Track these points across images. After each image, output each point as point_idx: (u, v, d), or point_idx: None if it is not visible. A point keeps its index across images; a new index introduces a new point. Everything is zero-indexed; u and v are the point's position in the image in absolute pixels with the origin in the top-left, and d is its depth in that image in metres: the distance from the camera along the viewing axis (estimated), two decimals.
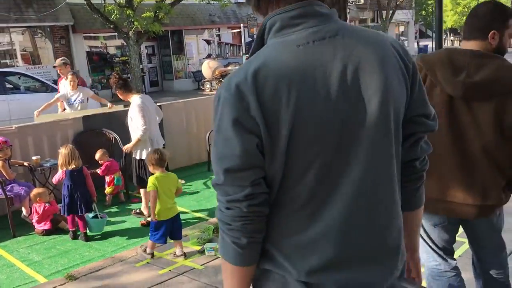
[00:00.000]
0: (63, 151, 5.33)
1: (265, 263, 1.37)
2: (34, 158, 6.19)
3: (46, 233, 5.58)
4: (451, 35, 52.18)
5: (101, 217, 5.45)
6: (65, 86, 7.56)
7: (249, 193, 1.26)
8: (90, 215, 5.41)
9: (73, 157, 5.28)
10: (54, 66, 8.51)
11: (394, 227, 1.42)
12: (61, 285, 4.18)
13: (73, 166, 5.26)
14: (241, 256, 1.32)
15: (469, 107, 2.30)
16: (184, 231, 4.89)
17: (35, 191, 5.68)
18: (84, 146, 6.54)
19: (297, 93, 1.25)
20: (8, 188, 5.67)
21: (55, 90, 9.34)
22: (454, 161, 2.35)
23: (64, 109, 7.54)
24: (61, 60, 8.03)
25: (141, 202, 6.00)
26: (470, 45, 2.36)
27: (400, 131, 1.42)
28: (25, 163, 6.13)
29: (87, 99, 7.58)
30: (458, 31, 50.35)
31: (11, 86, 13.02)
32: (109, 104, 7.75)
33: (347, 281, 1.33)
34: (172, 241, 4.64)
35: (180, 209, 5.03)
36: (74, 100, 7.37)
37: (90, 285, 4.12)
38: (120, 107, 7.78)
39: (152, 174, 4.58)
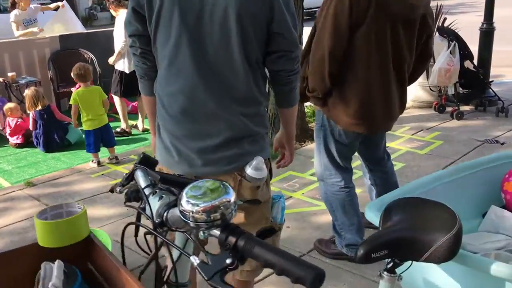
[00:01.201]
0: (28, 93, 5.61)
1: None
2: (10, 74, 6.36)
3: (19, 146, 5.86)
4: None
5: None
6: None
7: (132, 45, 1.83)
8: (65, 122, 5.80)
9: (38, 98, 5.56)
10: None
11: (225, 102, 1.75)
12: (20, 189, 4.48)
13: (40, 106, 5.56)
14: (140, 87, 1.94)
15: (405, 28, 2.49)
16: None
17: (8, 105, 5.90)
18: (60, 65, 6.70)
19: None
20: None
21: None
22: (393, 81, 2.58)
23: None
24: None
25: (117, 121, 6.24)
26: None
27: (246, 32, 1.68)
28: (1, 79, 6.31)
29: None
30: None
31: None
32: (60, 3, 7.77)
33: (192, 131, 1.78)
34: None
35: None
36: (29, 21, 7.34)
37: (45, 191, 4.41)
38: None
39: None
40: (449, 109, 5.84)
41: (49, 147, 5.65)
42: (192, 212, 0.87)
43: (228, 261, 0.83)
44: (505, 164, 2.12)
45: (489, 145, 4.80)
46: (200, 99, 1.73)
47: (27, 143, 5.86)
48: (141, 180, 1.04)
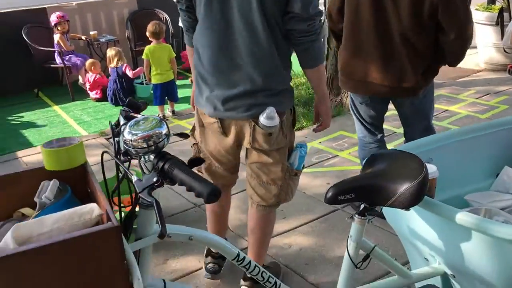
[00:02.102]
0: (109, 52, 6.16)
1: None
2: (91, 33, 6.87)
3: (98, 100, 6.40)
4: None
5: (146, 84, 6.17)
6: None
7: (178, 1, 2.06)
8: (138, 81, 6.23)
9: (116, 57, 6.08)
10: None
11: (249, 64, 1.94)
12: (94, 138, 4.97)
13: (116, 64, 6.10)
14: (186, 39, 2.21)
15: None
16: None
17: (89, 62, 6.43)
18: (137, 25, 7.12)
19: None
20: (66, 58, 6.47)
21: None
22: (377, 46, 2.51)
23: None
24: None
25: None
26: None
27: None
28: (83, 37, 6.85)
29: None
30: None
31: None
32: None
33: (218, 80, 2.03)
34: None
35: None
36: None
37: None
38: None
39: None
40: None
41: (119, 103, 6.11)
42: (131, 140, 1.06)
43: (155, 179, 1.02)
44: None
45: None
46: (226, 54, 1.94)
47: (104, 97, 6.38)
48: (121, 119, 1.25)
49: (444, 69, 6.15)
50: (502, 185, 2.02)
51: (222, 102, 2.00)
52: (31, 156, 4.63)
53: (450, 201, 1.59)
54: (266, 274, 1.37)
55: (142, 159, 1.08)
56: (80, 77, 6.67)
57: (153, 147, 1.06)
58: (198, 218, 3.16)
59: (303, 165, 2.18)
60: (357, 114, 2.85)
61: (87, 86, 6.41)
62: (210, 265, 2.43)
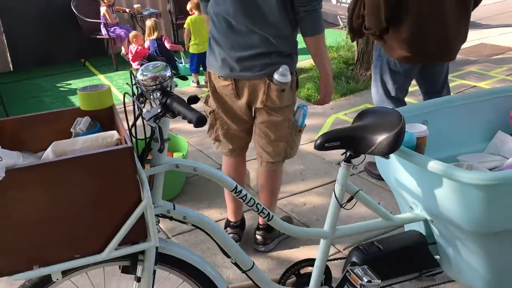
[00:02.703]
0: (147, 23, 6.42)
1: None
2: (135, 6, 7.21)
3: None
4: None
5: (184, 64, 6.49)
6: None
7: None
8: (178, 61, 6.55)
9: (155, 28, 6.35)
10: None
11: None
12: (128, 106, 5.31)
13: (155, 36, 6.37)
14: (201, 6, 2.46)
15: None
16: None
17: (132, 33, 6.76)
18: None
19: None
20: (111, 30, 6.85)
21: None
22: (452, 10, 2.73)
23: None
24: None
25: None
26: None
27: None
28: (127, 10, 7.19)
29: None
30: None
31: None
32: None
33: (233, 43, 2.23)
34: None
35: None
36: None
37: None
38: None
39: None
40: None
41: None
42: (142, 80, 1.32)
43: (159, 110, 1.28)
44: None
45: None
46: (240, 20, 2.15)
47: None
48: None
49: (479, 47, 6.16)
50: (494, 148, 2.17)
51: (238, 63, 2.20)
52: None
53: (445, 160, 1.76)
54: (261, 206, 1.61)
55: (151, 96, 1.34)
56: (123, 48, 7.04)
57: (159, 86, 1.31)
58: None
59: (305, 124, 2.41)
60: (382, 86, 3.02)
61: (130, 56, 6.77)
62: (230, 235, 2.64)
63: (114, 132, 1.33)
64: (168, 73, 1.33)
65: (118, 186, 1.20)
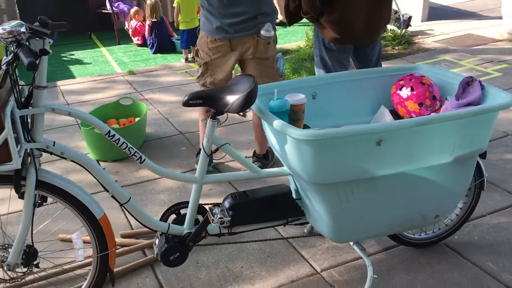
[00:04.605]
0: (148, 3, 6.75)
1: None
2: None
3: (139, 45, 7.13)
4: None
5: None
6: None
7: None
8: (176, 38, 6.91)
9: (155, 10, 6.69)
10: None
11: None
12: (123, 76, 5.69)
13: (155, 18, 6.72)
14: None
15: None
16: None
17: (134, 9, 7.14)
18: None
19: None
20: (115, 5, 7.23)
21: None
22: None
23: None
24: None
25: None
26: None
27: None
28: None
29: None
30: None
31: None
32: None
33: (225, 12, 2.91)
34: None
35: None
36: None
37: (139, 78, 5.55)
38: None
39: None
40: None
41: (157, 51, 6.80)
42: (1, 34, 1.62)
43: (10, 56, 1.58)
44: (401, 75, 2.42)
45: None
46: None
47: (145, 43, 7.09)
48: None
49: (464, 37, 6.26)
50: (376, 120, 2.42)
51: (232, 28, 2.89)
52: (68, 86, 5.44)
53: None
54: (133, 149, 1.92)
55: (9, 47, 1.66)
56: (126, 23, 7.42)
57: (14, 39, 1.62)
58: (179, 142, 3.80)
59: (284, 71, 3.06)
60: (321, 61, 3.28)
61: (130, 32, 7.14)
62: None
63: None
64: (23, 29, 1.62)
65: None
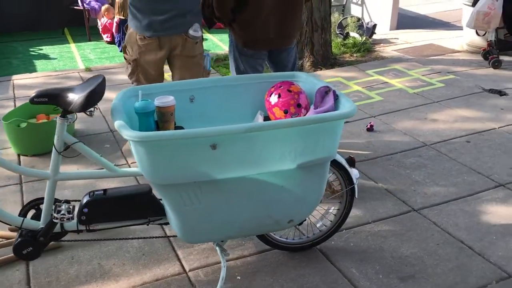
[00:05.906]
0: (116, 0, 6.72)
1: None
2: None
3: (109, 43, 7.20)
4: None
5: None
6: None
7: None
8: None
9: (123, 8, 6.62)
10: None
11: None
12: (79, 72, 5.77)
13: (123, 16, 6.62)
14: None
15: None
16: None
17: (104, 6, 7.22)
18: None
19: None
20: (86, 2, 7.31)
21: None
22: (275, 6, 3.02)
23: None
24: None
25: None
26: None
27: None
28: None
29: None
30: None
31: None
32: None
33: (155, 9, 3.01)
34: None
35: None
36: None
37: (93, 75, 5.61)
38: None
39: None
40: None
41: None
42: None
43: None
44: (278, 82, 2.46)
45: (486, 94, 4.60)
46: None
47: (114, 41, 7.16)
48: None
49: (425, 47, 6.27)
50: None
51: (160, 25, 2.97)
52: (22, 80, 5.53)
53: None
54: None
55: None
56: (98, 21, 7.50)
57: None
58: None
59: (210, 68, 3.22)
60: (240, 68, 3.31)
61: (100, 28, 7.23)
62: None
63: None
64: None
65: None
